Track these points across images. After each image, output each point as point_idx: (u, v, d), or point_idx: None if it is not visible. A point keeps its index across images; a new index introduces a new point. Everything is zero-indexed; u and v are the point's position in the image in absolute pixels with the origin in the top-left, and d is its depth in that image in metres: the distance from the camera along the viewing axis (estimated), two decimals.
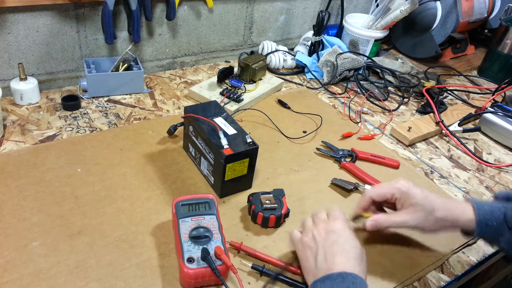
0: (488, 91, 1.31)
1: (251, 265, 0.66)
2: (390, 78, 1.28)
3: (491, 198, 0.90)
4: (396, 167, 0.94)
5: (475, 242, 0.78)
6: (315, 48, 1.30)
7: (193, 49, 1.23)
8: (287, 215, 0.75)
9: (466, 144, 1.05)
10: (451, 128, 1.08)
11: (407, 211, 0.67)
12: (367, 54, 1.36)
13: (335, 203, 0.82)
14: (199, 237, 0.64)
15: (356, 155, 0.94)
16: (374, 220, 0.68)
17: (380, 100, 1.19)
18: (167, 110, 1.03)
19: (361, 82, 1.24)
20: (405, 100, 1.22)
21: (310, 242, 0.61)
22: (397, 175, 0.92)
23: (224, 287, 0.60)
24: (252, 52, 1.32)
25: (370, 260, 0.70)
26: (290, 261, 0.67)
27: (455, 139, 1.06)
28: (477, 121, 1.15)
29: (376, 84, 1.24)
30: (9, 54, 0.96)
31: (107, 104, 1.01)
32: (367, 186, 0.84)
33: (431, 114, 1.13)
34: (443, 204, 0.67)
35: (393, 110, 1.16)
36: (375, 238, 0.75)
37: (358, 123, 1.08)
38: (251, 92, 1.09)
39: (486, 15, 1.48)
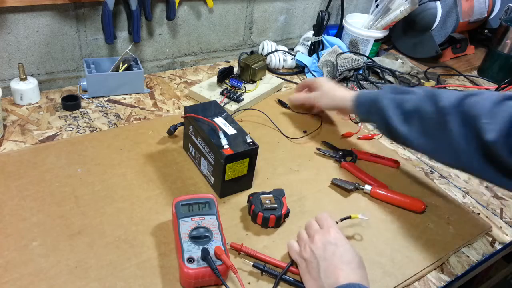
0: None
1: (252, 264, 0.66)
2: (390, 78, 1.28)
3: (491, 198, 0.90)
4: (396, 167, 0.94)
5: (475, 241, 0.78)
6: (315, 48, 1.30)
7: (193, 49, 1.23)
8: (287, 215, 0.75)
9: None
10: None
11: (317, 90, 0.98)
12: (367, 54, 1.36)
13: (335, 203, 0.82)
14: (199, 237, 0.64)
15: (356, 155, 0.94)
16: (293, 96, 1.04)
17: None
18: (167, 110, 1.03)
19: (361, 82, 1.24)
20: None
21: (310, 257, 0.62)
22: (397, 175, 0.92)
23: (224, 287, 0.60)
24: (252, 52, 1.32)
25: (370, 260, 0.70)
26: (290, 262, 0.67)
27: None
28: None
29: (376, 84, 1.24)
30: (9, 54, 0.96)
31: (107, 104, 1.02)
32: (367, 186, 0.84)
33: None
34: (340, 89, 0.95)
35: None
36: (375, 239, 0.75)
37: (358, 123, 1.08)
38: (251, 92, 1.09)
39: (486, 15, 1.48)
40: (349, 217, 0.73)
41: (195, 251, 0.62)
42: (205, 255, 0.60)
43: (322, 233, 0.63)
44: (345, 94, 0.90)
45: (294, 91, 1.07)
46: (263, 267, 0.65)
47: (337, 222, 0.69)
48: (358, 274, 0.58)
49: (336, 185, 0.85)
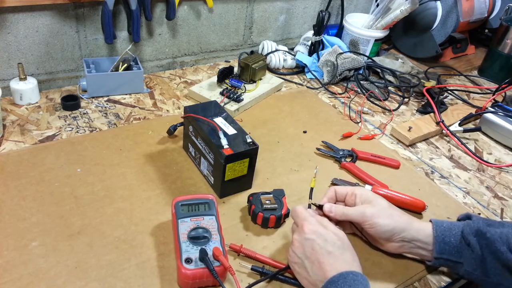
0: (489, 91, 1.31)
1: (250, 266, 0.65)
2: (391, 78, 1.28)
3: (491, 199, 0.90)
4: (397, 167, 0.93)
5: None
6: (315, 48, 1.30)
7: (193, 49, 1.23)
8: (287, 215, 0.75)
9: (466, 144, 1.05)
10: (451, 128, 1.07)
11: (367, 204, 0.67)
12: (367, 54, 1.36)
13: None
14: (198, 237, 0.64)
15: (356, 155, 0.94)
16: (330, 206, 0.68)
17: (380, 100, 1.19)
18: (167, 110, 1.03)
19: (361, 82, 1.24)
20: (406, 100, 1.22)
21: (295, 259, 0.61)
22: (397, 175, 0.91)
23: None
24: (252, 52, 1.32)
25: (370, 260, 0.70)
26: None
27: (456, 139, 1.06)
28: (478, 121, 1.15)
29: (376, 84, 1.24)
30: (9, 54, 0.96)
31: (107, 104, 1.01)
32: (367, 186, 0.84)
33: (432, 114, 1.13)
34: (402, 212, 0.68)
35: (394, 110, 1.16)
36: None
37: (358, 123, 1.08)
38: (251, 92, 1.09)
39: (486, 15, 1.48)
40: (311, 189, 0.69)
41: (193, 251, 0.61)
42: (203, 256, 0.60)
43: (298, 232, 0.62)
44: (418, 224, 0.66)
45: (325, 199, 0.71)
46: (261, 269, 0.65)
47: (309, 206, 0.67)
48: (343, 260, 0.58)
49: (336, 185, 0.85)
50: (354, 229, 0.73)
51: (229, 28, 1.26)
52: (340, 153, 0.94)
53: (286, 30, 1.40)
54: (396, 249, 0.68)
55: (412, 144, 1.04)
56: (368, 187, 0.84)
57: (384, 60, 1.36)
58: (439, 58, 1.49)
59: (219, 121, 0.81)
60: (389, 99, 1.22)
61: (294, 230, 0.64)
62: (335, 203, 0.70)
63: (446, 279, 0.71)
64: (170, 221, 0.72)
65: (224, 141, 0.75)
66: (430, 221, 0.67)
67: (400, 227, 0.65)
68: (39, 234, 0.67)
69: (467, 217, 0.69)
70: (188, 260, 0.60)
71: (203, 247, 0.62)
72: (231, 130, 0.79)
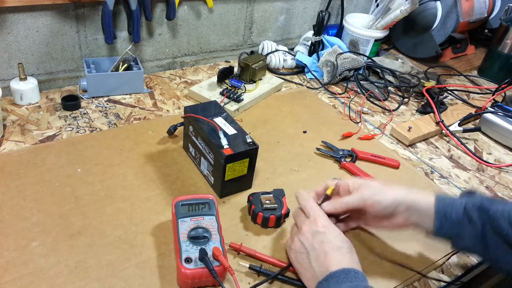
0: (488, 91, 1.31)
1: (248, 265, 0.65)
2: (390, 78, 1.28)
3: None
4: (396, 167, 0.93)
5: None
6: (315, 48, 1.30)
7: (193, 49, 1.23)
8: (287, 215, 0.75)
9: (466, 144, 1.05)
10: (451, 128, 1.07)
11: (360, 189, 0.66)
12: (367, 54, 1.36)
13: None
14: (198, 237, 0.64)
15: (356, 155, 0.94)
16: (329, 203, 0.68)
17: (380, 100, 1.19)
18: (167, 110, 1.03)
19: (361, 82, 1.24)
20: (405, 100, 1.22)
21: (300, 249, 0.62)
22: (397, 175, 0.92)
23: None
24: (252, 52, 1.32)
25: (370, 260, 0.70)
26: (289, 261, 0.67)
27: (455, 139, 1.06)
28: (477, 121, 1.15)
29: (376, 84, 1.24)
30: (9, 54, 0.96)
31: (107, 104, 1.01)
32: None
33: (431, 114, 1.13)
34: (399, 185, 0.67)
35: (393, 110, 1.16)
36: (375, 239, 0.75)
37: (358, 123, 1.08)
38: (251, 92, 1.09)
39: (486, 15, 1.48)
40: (327, 196, 0.69)
41: (193, 251, 0.62)
42: (202, 255, 0.60)
43: (309, 224, 0.63)
44: (420, 196, 0.66)
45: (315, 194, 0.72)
46: (259, 268, 0.65)
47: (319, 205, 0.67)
48: (349, 259, 0.58)
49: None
50: (357, 222, 0.72)
51: (229, 28, 1.26)
52: (340, 153, 0.94)
53: (286, 30, 1.40)
54: (403, 223, 0.66)
55: (412, 144, 1.04)
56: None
57: (384, 60, 1.36)
58: (439, 58, 1.50)
59: (219, 121, 0.81)
60: (389, 99, 1.22)
61: (302, 222, 0.64)
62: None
63: (446, 279, 0.71)
64: (170, 221, 0.72)
65: (224, 141, 0.75)
66: (433, 195, 0.66)
67: (401, 196, 0.65)
68: (39, 234, 0.67)
69: (469, 193, 0.69)
70: (188, 260, 0.60)
71: (203, 247, 0.62)
72: (231, 130, 0.79)
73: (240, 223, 0.75)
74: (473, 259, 0.75)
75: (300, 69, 1.31)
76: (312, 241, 0.60)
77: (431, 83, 1.20)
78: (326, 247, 0.59)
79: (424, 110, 1.17)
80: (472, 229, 0.63)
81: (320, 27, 1.25)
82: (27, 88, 0.95)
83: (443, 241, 0.66)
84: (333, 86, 1.25)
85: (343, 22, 1.39)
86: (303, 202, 0.67)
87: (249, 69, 1.11)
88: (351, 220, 0.73)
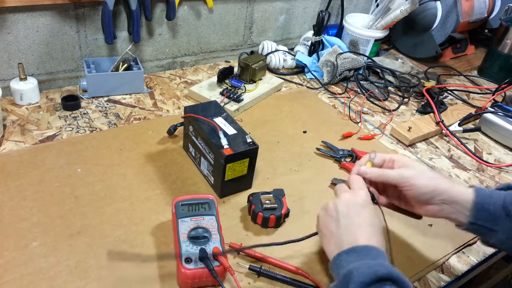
0: (488, 91, 1.31)
1: (248, 266, 0.65)
2: (390, 78, 1.28)
3: None
4: None
5: (475, 242, 0.78)
6: (315, 48, 1.30)
7: (193, 49, 1.23)
8: (287, 215, 0.75)
9: (466, 144, 1.05)
10: (451, 128, 1.07)
11: (403, 168, 0.65)
12: (367, 54, 1.36)
13: None
14: (198, 237, 0.64)
15: (356, 155, 0.94)
16: (366, 167, 0.67)
17: (380, 100, 1.19)
18: (167, 110, 1.03)
19: (361, 82, 1.24)
20: (405, 100, 1.22)
21: (333, 212, 0.60)
22: None
23: None
24: (252, 52, 1.32)
25: None
26: (287, 260, 0.67)
27: (455, 139, 1.06)
28: (477, 121, 1.15)
29: (376, 84, 1.24)
30: (9, 54, 0.96)
31: (107, 104, 1.01)
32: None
33: (431, 114, 1.13)
34: (443, 175, 0.65)
35: (393, 110, 1.16)
36: None
37: (358, 123, 1.08)
38: (251, 92, 1.09)
39: (486, 15, 1.48)
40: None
41: (193, 251, 0.62)
42: (202, 255, 0.60)
43: (351, 193, 0.62)
44: (458, 187, 0.65)
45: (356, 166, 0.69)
46: (259, 269, 0.65)
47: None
48: (378, 239, 0.57)
49: (335, 184, 0.85)
50: (390, 199, 0.70)
51: (229, 28, 1.26)
52: (340, 153, 0.94)
53: (286, 30, 1.40)
54: (435, 213, 0.65)
55: (412, 144, 1.04)
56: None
57: (384, 60, 1.36)
58: (439, 58, 1.50)
59: (219, 121, 0.81)
60: (389, 99, 1.22)
61: (343, 191, 0.63)
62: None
63: (446, 279, 0.71)
64: (170, 221, 0.72)
65: (224, 141, 0.75)
66: (472, 187, 0.66)
67: (442, 188, 0.63)
68: (39, 234, 0.67)
69: (508, 187, 0.68)
70: (188, 260, 0.60)
71: (203, 247, 0.62)
72: (231, 130, 0.79)
73: (240, 223, 0.75)
74: (473, 259, 0.75)
75: (300, 69, 1.31)
76: (348, 209, 0.59)
77: (431, 83, 1.20)
78: (361, 220, 0.58)
79: (424, 110, 1.17)
80: (509, 222, 0.62)
81: (320, 27, 1.25)
82: (27, 88, 0.95)
83: (473, 234, 0.66)
84: (333, 86, 1.25)
85: (343, 22, 1.39)
86: (352, 178, 0.65)
87: (249, 69, 1.11)
88: (385, 197, 0.71)
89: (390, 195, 0.70)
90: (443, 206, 0.64)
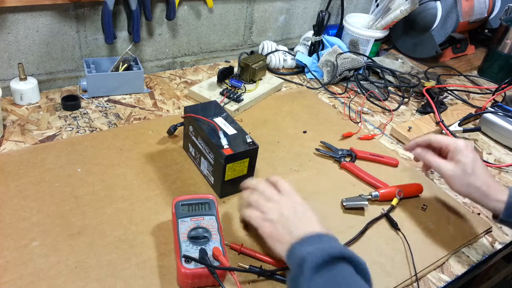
0: (488, 91, 1.31)
1: (248, 266, 0.65)
2: (390, 78, 1.28)
3: None
4: (395, 165, 0.94)
5: (490, 231, 0.80)
6: (315, 48, 1.30)
7: (193, 49, 1.23)
8: None
9: None
10: (451, 128, 1.07)
11: (451, 162, 0.72)
12: (367, 54, 1.36)
13: (337, 204, 0.82)
14: (198, 237, 0.64)
15: (355, 154, 0.94)
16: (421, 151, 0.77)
17: (380, 100, 1.19)
18: (167, 110, 1.03)
19: (361, 82, 1.24)
20: (405, 100, 1.22)
21: (279, 218, 0.62)
22: (397, 175, 0.92)
23: None
24: (252, 52, 1.32)
25: (370, 260, 0.70)
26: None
27: None
28: (477, 121, 1.15)
29: (376, 84, 1.24)
30: (9, 54, 0.96)
31: (107, 104, 1.01)
32: (374, 193, 0.83)
33: (431, 114, 1.13)
34: (483, 175, 0.71)
35: (393, 110, 1.16)
36: (375, 238, 0.75)
37: (358, 123, 1.08)
38: (251, 92, 1.09)
39: (486, 15, 1.48)
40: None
41: (193, 251, 0.62)
42: (202, 255, 0.60)
43: (288, 196, 0.65)
44: (493, 190, 0.70)
45: (411, 142, 0.80)
46: (259, 269, 0.65)
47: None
48: (323, 227, 0.60)
49: (349, 209, 0.81)
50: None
51: (229, 28, 1.26)
52: (339, 153, 0.94)
53: (286, 30, 1.40)
54: (463, 194, 0.73)
55: None
56: (375, 194, 0.82)
57: (384, 60, 1.36)
58: (439, 58, 1.50)
59: (219, 121, 0.81)
60: (389, 99, 1.22)
61: (279, 195, 0.65)
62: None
63: (446, 279, 0.71)
64: (170, 221, 0.72)
65: (224, 141, 0.75)
66: (507, 187, 0.72)
67: (473, 198, 0.71)
68: (39, 234, 0.67)
69: None
70: (188, 260, 0.60)
71: (203, 247, 0.62)
72: (231, 130, 0.79)
73: (240, 223, 0.75)
74: (473, 259, 0.75)
75: (300, 69, 1.31)
76: (295, 210, 0.62)
77: (431, 83, 1.20)
78: (309, 214, 0.62)
79: (424, 110, 1.17)
80: None
81: (320, 27, 1.25)
82: (27, 88, 0.95)
83: (507, 226, 0.75)
84: (333, 86, 1.25)
85: (343, 22, 1.39)
86: (273, 178, 0.69)
87: (249, 69, 1.11)
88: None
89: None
90: (478, 200, 0.72)
